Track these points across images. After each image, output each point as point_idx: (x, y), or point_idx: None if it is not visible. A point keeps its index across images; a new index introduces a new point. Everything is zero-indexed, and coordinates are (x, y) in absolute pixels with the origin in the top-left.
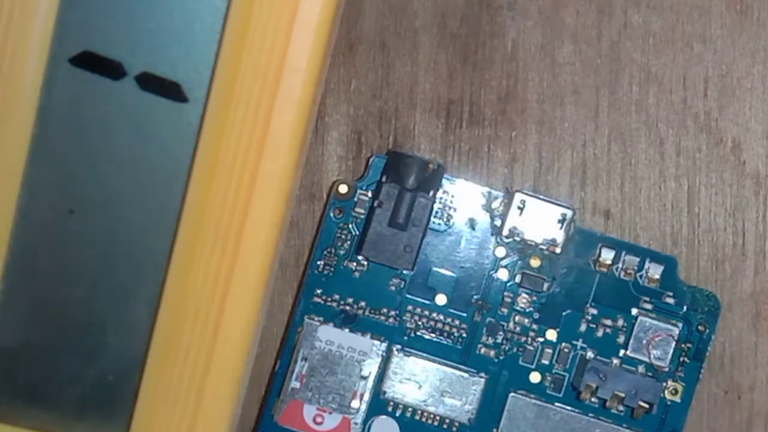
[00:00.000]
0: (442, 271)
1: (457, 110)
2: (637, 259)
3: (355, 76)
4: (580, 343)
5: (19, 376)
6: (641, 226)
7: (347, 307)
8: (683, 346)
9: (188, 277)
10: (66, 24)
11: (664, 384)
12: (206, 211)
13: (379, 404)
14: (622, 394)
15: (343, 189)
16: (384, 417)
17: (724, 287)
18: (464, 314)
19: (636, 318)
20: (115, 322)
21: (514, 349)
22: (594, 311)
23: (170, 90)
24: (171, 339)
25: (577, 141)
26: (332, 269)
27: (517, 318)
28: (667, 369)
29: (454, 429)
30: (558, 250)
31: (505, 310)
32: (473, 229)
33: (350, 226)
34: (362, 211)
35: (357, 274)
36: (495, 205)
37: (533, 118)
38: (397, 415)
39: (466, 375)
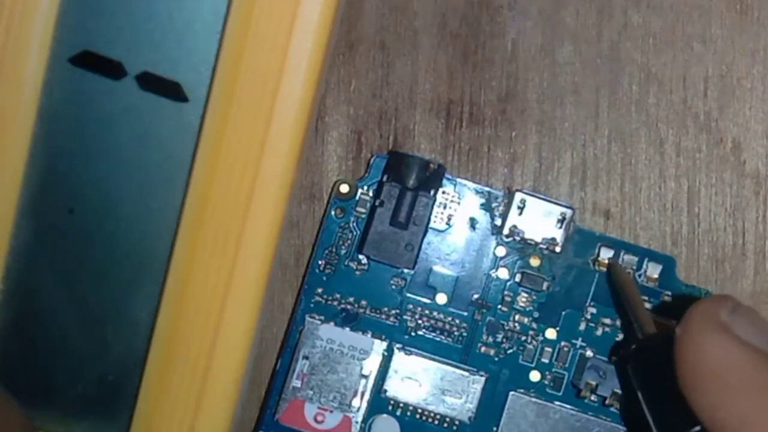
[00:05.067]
0: (443, 270)
1: (457, 110)
2: (636, 259)
3: (355, 76)
4: (579, 342)
5: (19, 376)
6: (641, 226)
7: (348, 306)
8: None
9: (188, 276)
10: (66, 23)
11: None
12: (206, 211)
13: (380, 403)
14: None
15: (344, 188)
16: (385, 416)
17: (724, 287)
18: (464, 313)
19: None
20: (115, 322)
21: (514, 348)
22: (593, 310)
23: (170, 89)
24: (171, 339)
25: (577, 141)
26: (333, 268)
27: (516, 317)
28: None
29: (455, 428)
30: (558, 250)
31: (505, 309)
32: (473, 228)
33: (351, 225)
34: (363, 210)
35: (358, 273)
36: (495, 204)
37: (533, 118)
38: (398, 413)
39: (466, 374)
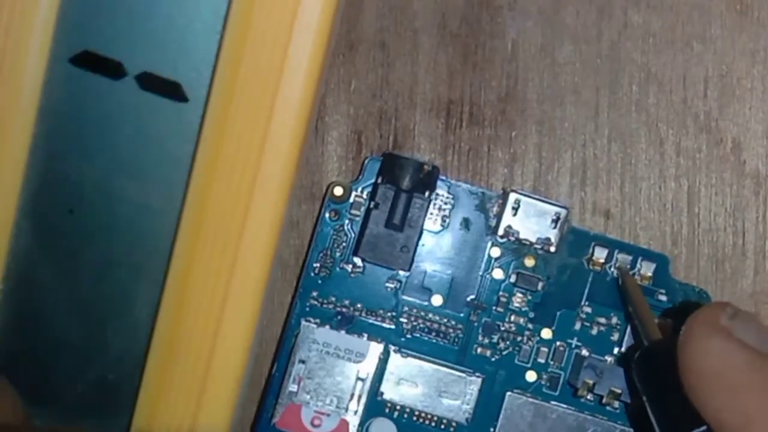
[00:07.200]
0: (438, 271)
1: (457, 110)
2: (630, 258)
3: (355, 76)
4: (575, 342)
5: (19, 376)
6: (641, 226)
7: (344, 309)
8: None
9: (188, 277)
10: (66, 24)
11: None
12: (206, 211)
13: (377, 405)
14: (619, 391)
15: (338, 191)
16: (382, 418)
17: (724, 287)
18: (460, 314)
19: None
20: (115, 322)
21: (510, 349)
22: (588, 310)
23: (170, 90)
24: (171, 339)
25: (577, 141)
26: (328, 271)
27: (512, 317)
28: None
29: (452, 429)
30: (552, 250)
31: (500, 310)
32: (468, 229)
33: (346, 227)
34: (358, 212)
35: (353, 275)
36: (489, 205)
37: (533, 118)
38: (395, 416)
39: (462, 375)
